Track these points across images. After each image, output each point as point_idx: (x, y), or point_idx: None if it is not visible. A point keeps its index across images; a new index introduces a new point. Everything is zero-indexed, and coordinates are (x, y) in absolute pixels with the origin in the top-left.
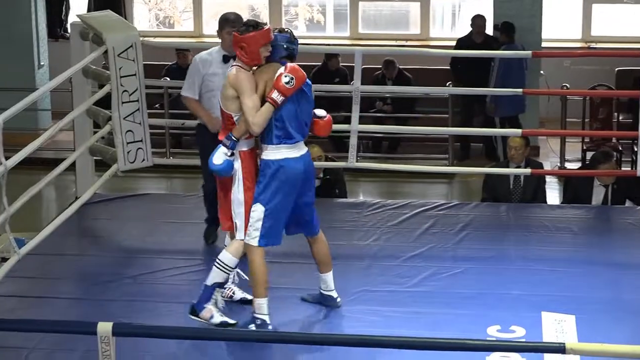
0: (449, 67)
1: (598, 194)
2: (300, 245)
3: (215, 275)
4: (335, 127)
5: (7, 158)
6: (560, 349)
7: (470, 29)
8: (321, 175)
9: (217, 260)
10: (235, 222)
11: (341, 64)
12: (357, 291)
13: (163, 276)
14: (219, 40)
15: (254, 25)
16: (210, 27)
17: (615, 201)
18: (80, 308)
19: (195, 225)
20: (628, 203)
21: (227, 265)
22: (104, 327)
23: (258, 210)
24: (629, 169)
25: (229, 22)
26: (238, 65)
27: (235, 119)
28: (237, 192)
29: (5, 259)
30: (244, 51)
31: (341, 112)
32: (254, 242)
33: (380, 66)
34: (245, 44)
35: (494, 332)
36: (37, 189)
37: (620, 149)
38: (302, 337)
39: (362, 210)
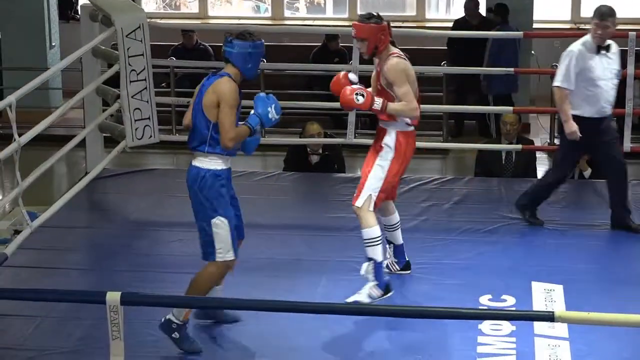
0: (443, 48)
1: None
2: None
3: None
4: (334, 104)
5: (20, 135)
6: (550, 317)
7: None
8: (320, 151)
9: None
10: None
11: (341, 44)
12: (354, 261)
13: (169, 247)
14: (224, 22)
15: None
16: (215, 9)
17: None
18: (90, 278)
19: None
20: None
21: (372, 238)
22: (113, 297)
23: None
24: None
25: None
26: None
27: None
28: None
29: (18, 232)
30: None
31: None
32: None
33: None
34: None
35: (485, 301)
36: (49, 164)
37: None
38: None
39: None
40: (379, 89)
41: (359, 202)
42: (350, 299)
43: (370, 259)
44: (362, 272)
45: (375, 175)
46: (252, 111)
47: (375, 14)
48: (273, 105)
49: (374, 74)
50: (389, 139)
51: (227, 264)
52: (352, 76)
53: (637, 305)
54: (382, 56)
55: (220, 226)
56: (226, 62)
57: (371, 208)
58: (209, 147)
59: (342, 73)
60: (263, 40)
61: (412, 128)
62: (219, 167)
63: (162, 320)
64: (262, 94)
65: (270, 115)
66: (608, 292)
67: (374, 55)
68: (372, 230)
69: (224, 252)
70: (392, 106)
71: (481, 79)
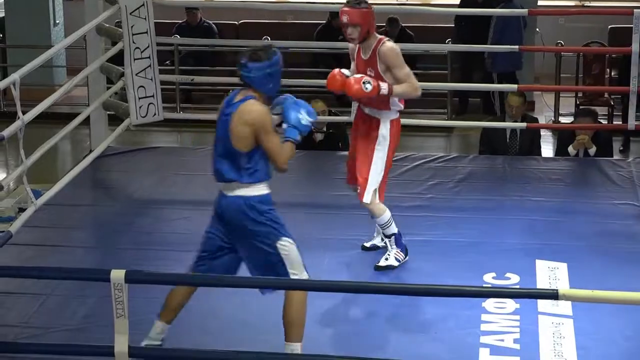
0: (448, 25)
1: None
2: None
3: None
4: None
5: (24, 113)
6: (554, 295)
7: None
8: (324, 129)
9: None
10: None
11: None
12: (361, 239)
13: (172, 225)
14: (228, 0)
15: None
16: None
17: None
18: (94, 256)
19: (203, 177)
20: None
21: (387, 222)
22: (117, 274)
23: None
24: (620, 122)
25: None
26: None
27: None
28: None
29: (22, 210)
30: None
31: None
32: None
33: (383, 24)
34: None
35: (489, 279)
36: (53, 142)
37: (612, 103)
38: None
39: None
40: (372, 75)
41: (366, 199)
42: (382, 264)
43: (390, 236)
44: (383, 244)
45: (376, 169)
46: (285, 124)
47: None
48: (303, 110)
49: (356, 61)
50: (385, 130)
51: None
52: (346, 72)
53: None
54: (369, 42)
55: (288, 247)
56: (245, 85)
57: (377, 200)
58: (248, 178)
59: (335, 71)
60: (279, 53)
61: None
62: (265, 192)
63: None
64: (290, 100)
65: (304, 122)
66: (612, 269)
67: (364, 41)
68: (385, 215)
69: (299, 273)
70: (398, 89)
71: (485, 56)
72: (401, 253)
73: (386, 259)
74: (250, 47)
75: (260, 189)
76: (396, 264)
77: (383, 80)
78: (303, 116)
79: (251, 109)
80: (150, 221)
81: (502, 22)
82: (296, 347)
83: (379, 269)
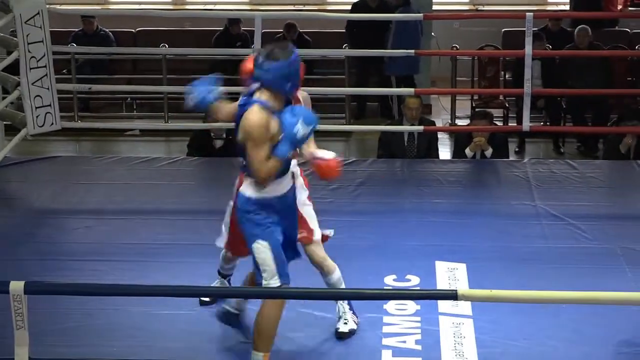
0: (344, 30)
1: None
2: None
3: None
4: (236, 89)
5: None
6: (453, 295)
7: None
8: (224, 135)
9: None
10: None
11: (242, 28)
12: None
13: (73, 235)
14: (124, 7)
15: None
16: None
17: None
18: None
19: (103, 186)
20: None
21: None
22: (16, 286)
23: None
24: (515, 124)
25: None
26: None
27: None
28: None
29: None
30: None
31: None
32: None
33: (280, 30)
34: None
35: (390, 281)
36: None
37: (507, 105)
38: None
39: None
40: None
41: (317, 236)
42: (344, 329)
43: None
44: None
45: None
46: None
47: None
48: (300, 120)
49: None
50: None
51: None
52: None
53: (538, 281)
54: None
55: (261, 250)
56: (260, 85)
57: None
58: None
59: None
60: (296, 51)
61: None
62: (253, 195)
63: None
64: (288, 110)
65: (299, 135)
66: (510, 269)
67: None
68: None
69: (268, 278)
70: None
71: (385, 60)
72: (354, 315)
73: (345, 322)
74: (269, 45)
75: (252, 188)
76: (355, 327)
77: None
78: (299, 127)
79: (248, 116)
80: (51, 231)
81: (402, 26)
82: (259, 358)
83: (343, 335)
